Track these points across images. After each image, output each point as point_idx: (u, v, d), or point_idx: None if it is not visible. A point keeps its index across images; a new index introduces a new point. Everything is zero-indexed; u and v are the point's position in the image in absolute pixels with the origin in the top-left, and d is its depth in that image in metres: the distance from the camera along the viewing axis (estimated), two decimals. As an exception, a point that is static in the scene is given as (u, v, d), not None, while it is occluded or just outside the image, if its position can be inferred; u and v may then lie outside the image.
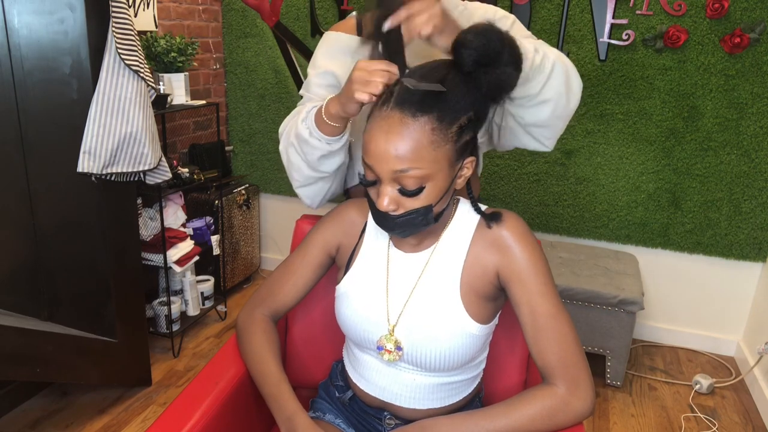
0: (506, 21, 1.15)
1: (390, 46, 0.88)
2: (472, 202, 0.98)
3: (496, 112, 1.16)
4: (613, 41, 2.33)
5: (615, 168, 2.49)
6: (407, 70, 0.88)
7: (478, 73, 0.81)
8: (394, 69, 0.86)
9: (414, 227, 0.89)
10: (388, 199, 0.85)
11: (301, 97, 1.20)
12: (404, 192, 0.84)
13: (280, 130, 1.15)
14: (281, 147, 1.14)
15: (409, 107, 0.81)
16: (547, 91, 0.97)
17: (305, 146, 1.05)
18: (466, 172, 0.90)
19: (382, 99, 0.85)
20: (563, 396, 0.89)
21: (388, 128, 0.81)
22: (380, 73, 0.85)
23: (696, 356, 2.59)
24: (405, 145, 0.80)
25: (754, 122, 2.28)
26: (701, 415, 2.16)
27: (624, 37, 2.32)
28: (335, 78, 1.16)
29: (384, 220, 0.89)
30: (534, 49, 0.94)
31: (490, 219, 0.96)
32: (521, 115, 1.02)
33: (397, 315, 0.97)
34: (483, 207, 0.99)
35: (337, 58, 1.17)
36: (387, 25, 0.86)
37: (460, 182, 0.90)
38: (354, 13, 1.25)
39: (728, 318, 2.56)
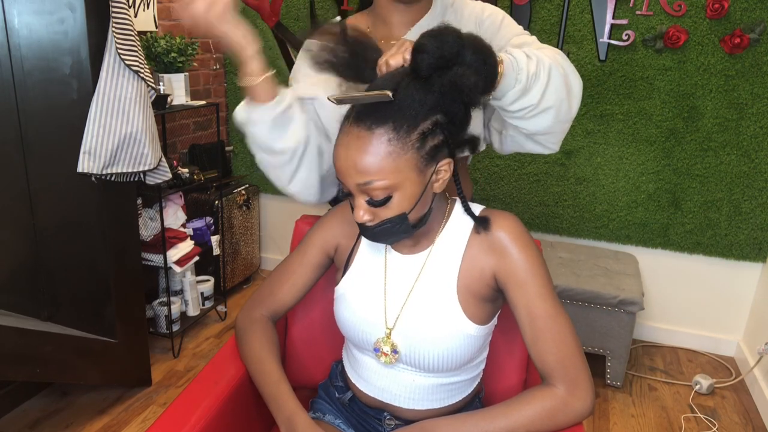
0: (496, 18, 1.12)
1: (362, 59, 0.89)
2: (462, 204, 0.97)
3: (493, 117, 1.14)
4: (613, 41, 2.33)
5: (615, 168, 2.49)
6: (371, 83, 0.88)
7: (434, 78, 0.81)
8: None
9: (393, 235, 0.89)
10: (362, 210, 0.87)
11: None
12: (372, 203, 0.85)
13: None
14: (257, 159, 1.11)
15: (364, 121, 0.82)
16: (548, 99, 0.94)
17: (252, 127, 1.02)
18: (444, 175, 0.89)
19: (346, 115, 0.86)
20: (563, 396, 0.89)
21: (347, 144, 0.83)
22: None
23: (696, 356, 2.59)
24: (363, 159, 0.82)
25: (754, 122, 2.28)
26: (701, 416, 2.16)
27: (624, 37, 2.32)
28: (315, 103, 1.12)
29: (364, 231, 0.90)
30: (527, 57, 0.91)
31: (479, 224, 0.95)
32: (523, 126, 0.99)
33: (395, 317, 0.97)
34: (480, 208, 0.99)
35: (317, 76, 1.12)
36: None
37: (438, 186, 0.90)
38: (338, 18, 1.20)
39: (728, 318, 2.56)
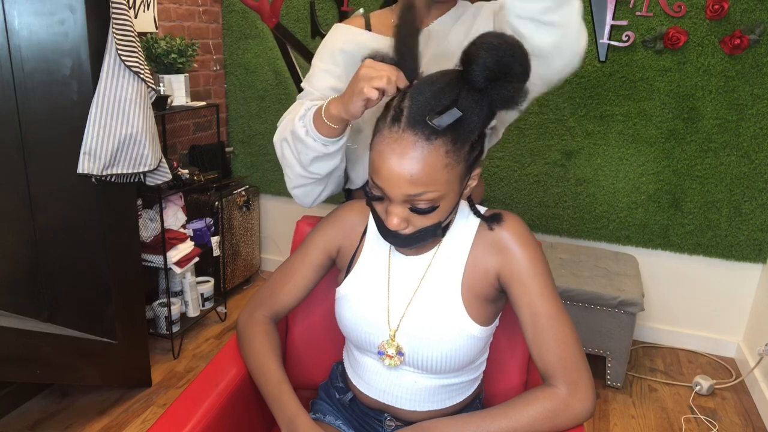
0: None
1: (405, 52, 0.86)
2: (470, 206, 0.98)
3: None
4: (613, 42, 2.33)
5: (615, 169, 2.49)
6: (416, 80, 0.85)
7: (488, 89, 0.79)
8: (402, 78, 0.84)
9: (423, 241, 0.88)
10: (398, 219, 0.83)
11: (301, 89, 1.16)
12: (416, 210, 0.83)
13: (280, 121, 1.12)
14: (276, 138, 1.10)
15: (422, 129, 0.78)
16: (561, 12, 0.91)
17: (300, 145, 1.02)
18: (473, 183, 0.89)
19: (392, 116, 0.81)
20: (564, 397, 0.89)
21: (401, 151, 0.79)
22: (388, 71, 0.83)
23: (696, 357, 2.59)
24: (420, 169, 0.78)
25: (754, 123, 2.28)
26: (701, 417, 2.16)
27: (624, 38, 2.32)
28: (344, 62, 1.12)
29: (393, 238, 0.88)
30: None
31: (491, 221, 0.95)
32: (529, 34, 0.93)
33: (399, 319, 0.97)
34: (483, 209, 0.99)
35: (348, 50, 1.14)
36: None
37: (466, 192, 0.90)
38: (361, 10, 1.24)
39: (728, 319, 2.56)
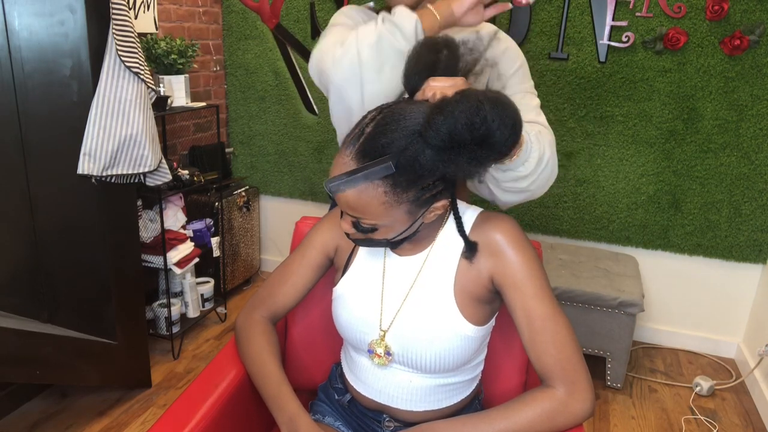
0: (512, 64, 1.14)
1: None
2: (457, 226, 0.95)
3: None
4: (612, 43, 2.33)
5: (615, 170, 2.49)
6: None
7: (440, 152, 0.78)
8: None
9: (373, 247, 0.93)
10: (346, 225, 0.89)
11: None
12: (358, 227, 0.87)
13: (325, 50, 1.01)
14: (347, 53, 0.95)
15: (366, 163, 0.80)
16: (531, 186, 1.01)
17: (399, 38, 0.93)
18: (439, 211, 0.89)
19: (355, 134, 0.82)
20: (562, 398, 0.89)
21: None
22: None
23: (696, 358, 2.59)
24: (356, 200, 0.82)
25: (754, 124, 2.28)
26: (701, 417, 2.16)
27: (624, 39, 2.32)
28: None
29: (347, 234, 0.91)
30: (537, 141, 0.96)
31: (468, 249, 0.94)
32: (499, 196, 1.05)
33: (391, 318, 0.97)
34: (478, 210, 0.99)
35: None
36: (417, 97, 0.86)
37: (430, 217, 0.90)
38: (371, 3, 1.24)
39: (728, 320, 2.56)
